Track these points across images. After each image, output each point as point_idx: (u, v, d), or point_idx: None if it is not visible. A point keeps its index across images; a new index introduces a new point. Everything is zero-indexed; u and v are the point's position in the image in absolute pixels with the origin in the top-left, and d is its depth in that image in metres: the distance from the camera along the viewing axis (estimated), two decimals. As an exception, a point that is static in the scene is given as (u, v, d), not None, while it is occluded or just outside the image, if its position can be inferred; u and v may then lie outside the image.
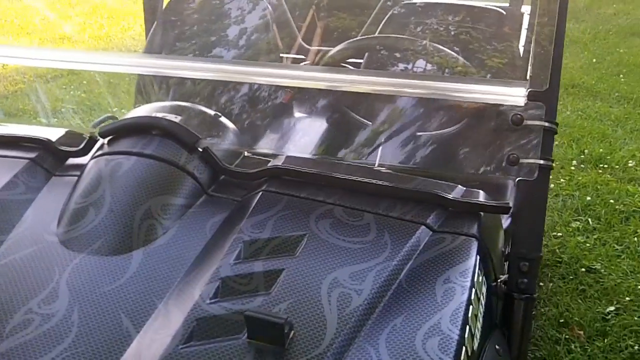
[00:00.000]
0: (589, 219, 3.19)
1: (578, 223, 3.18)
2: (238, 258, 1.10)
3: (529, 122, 1.13)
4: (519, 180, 1.13)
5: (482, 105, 1.32)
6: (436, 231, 1.16)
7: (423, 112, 1.58)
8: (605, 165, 3.67)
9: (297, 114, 1.77)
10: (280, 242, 1.12)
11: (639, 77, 5.05)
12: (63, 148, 1.38)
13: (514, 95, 1.14)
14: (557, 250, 3.00)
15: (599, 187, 3.45)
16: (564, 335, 2.44)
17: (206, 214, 1.23)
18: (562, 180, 3.55)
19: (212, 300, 1.04)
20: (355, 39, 2.04)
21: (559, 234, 3.10)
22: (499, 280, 1.16)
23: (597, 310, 2.59)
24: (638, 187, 3.44)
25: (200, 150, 1.30)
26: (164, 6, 2.31)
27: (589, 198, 3.35)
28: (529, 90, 1.14)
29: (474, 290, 1.05)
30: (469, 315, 1.01)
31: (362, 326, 0.99)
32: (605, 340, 2.40)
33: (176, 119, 1.35)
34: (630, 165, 3.66)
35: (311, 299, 1.03)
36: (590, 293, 2.73)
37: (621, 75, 5.08)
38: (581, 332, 2.47)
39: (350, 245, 1.12)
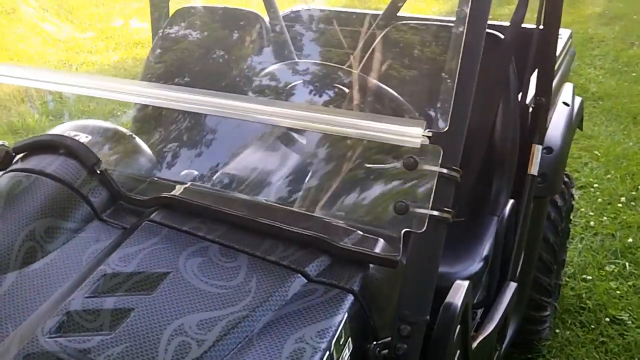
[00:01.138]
0: (627, 263, 2.90)
1: (613, 266, 2.89)
2: (94, 292, 1.04)
3: (424, 167, 0.99)
4: (405, 231, 0.99)
5: (379, 144, 1.18)
6: (312, 280, 1.04)
7: (317, 147, 1.46)
8: (658, 205, 3.34)
9: (214, 143, 1.70)
10: (142, 279, 1.05)
11: None
12: None
13: (409, 136, 1.00)
14: (584, 295, 2.74)
15: (645, 228, 3.14)
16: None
17: (90, 241, 1.18)
18: (605, 217, 3.25)
19: (51, 335, 0.98)
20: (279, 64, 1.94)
21: (589, 277, 2.83)
22: (376, 343, 1.02)
23: (614, 367, 2.33)
24: (692, 231, 3.10)
25: (99, 172, 1.25)
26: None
27: (630, 240, 3.04)
28: (427, 131, 1.00)
29: (327, 353, 0.93)
30: None
31: None
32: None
33: (86, 138, 1.31)
34: (687, 206, 3.31)
35: (148, 345, 0.95)
36: (610, 347, 2.46)
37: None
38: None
39: (211, 288, 1.03)
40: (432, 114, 1.48)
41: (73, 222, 1.21)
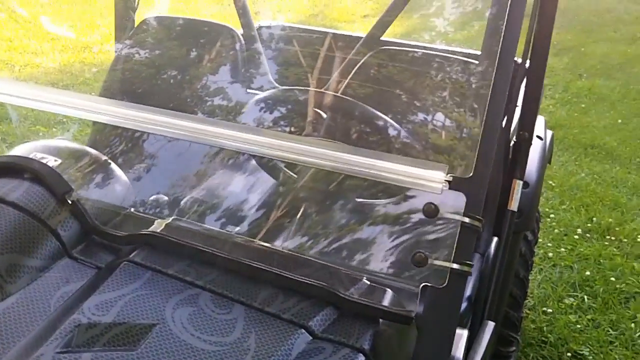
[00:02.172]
0: (585, 296, 2.92)
1: (572, 299, 2.90)
2: (67, 345, 0.91)
3: (446, 215, 0.92)
4: (423, 285, 0.92)
5: (397, 188, 1.10)
6: (318, 337, 0.95)
7: (328, 186, 1.38)
8: (613, 238, 3.39)
9: (203, 173, 1.58)
10: (124, 331, 0.93)
11: (666, 143, 4.76)
12: None
13: (430, 180, 0.93)
14: (544, 329, 2.73)
15: (601, 260, 3.17)
16: None
17: (60, 281, 1.04)
18: (562, 249, 3.28)
19: None
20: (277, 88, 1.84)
21: (550, 309, 2.84)
22: None
23: (576, 404, 2.32)
24: (645, 265, 3.16)
25: (70, 202, 1.11)
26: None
27: (588, 272, 3.07)
28: (449, 176, 0.93)
29: None
30: None
31: None
32: None
33: (55, 162, 1.17)
34: (640, 239, 3.38)
35: None
36: (573, 383, 2.45)
37: (646, 140, 4.79)
38: None
39: (205, 345, 0.91)
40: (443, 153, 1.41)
41: (39, 259, 1.06)
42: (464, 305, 1.64)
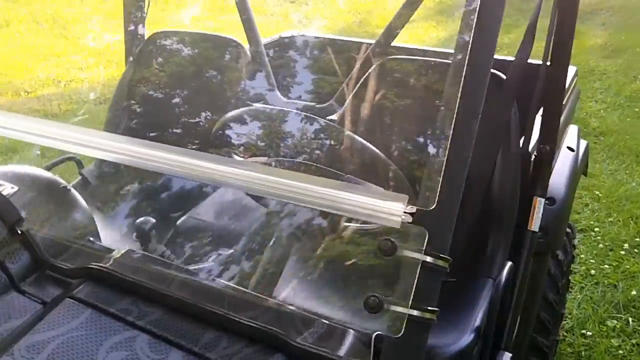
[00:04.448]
0: (630, 318, 2.70)
1: (615, 322, 2.69)
2: None
3: (404, 254, 0.80)
4: (377, 334, 0.80)
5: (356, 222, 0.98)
6: None
7: (277, 214, 1.26)
8: (664, 253, 3.14)
9: (169, 200, 1.49)
10: None
11: None
12: None
13: (387, 213, 0.81)
14: (583, 354, 2.53)
15: (650, 279, 2.94)
16: None
17: (1, 317, 0.98)
18: (606, 265, 3.05)
19: None
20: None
21: (589, 332, 2.63)
22: None
23: None
24: (699, 284, 2.90)
25: (20, 233, 1.05)
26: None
27: (634, 292, 2.84)
28: (409, 207, 0.82)
29: None
30: None
31: None
32: None
33: (12, 189, 1.12)
34: (694, 256, 3.12)
35: None
36: (612, 415, 2.26)
37: None
38: None
39: None
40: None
41: None
42: (470, 336, 1.50)
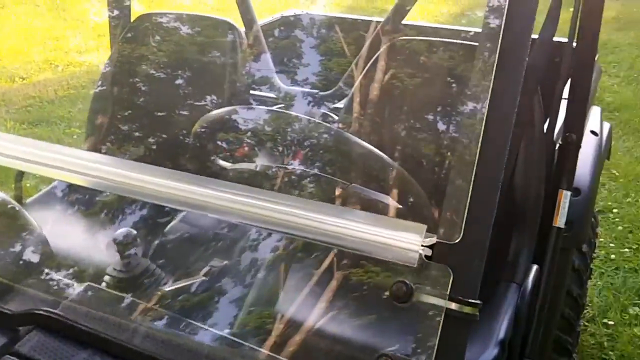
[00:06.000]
0: (654, 306, 2.58)
1: (638, 309, 2.57)
2: None
3: (422, 299, 0.66)
4: None
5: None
6: None
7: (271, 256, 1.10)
8: (687, 234, 3.02)
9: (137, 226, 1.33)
10: None
11: None
12: None
13: (401, 247, 0.66)
14: (605, 344, 2.42)
15: (674, 262, 2.82)
16: None
17: None
18: (627, 249, 2.93)
19: None
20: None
21: (612, 321, 2.51)
22: None
23: None
24: None
25: None
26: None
27: (657, 277, 2.72)
28: (427, 240, 0.66)
29: None
30: None
31: None
32: None
33: None
34: None
35: None
36: (638, 410, 2.15)
37: None
38: None
39: None
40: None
41: None
42: (495, 350, 1.36)
